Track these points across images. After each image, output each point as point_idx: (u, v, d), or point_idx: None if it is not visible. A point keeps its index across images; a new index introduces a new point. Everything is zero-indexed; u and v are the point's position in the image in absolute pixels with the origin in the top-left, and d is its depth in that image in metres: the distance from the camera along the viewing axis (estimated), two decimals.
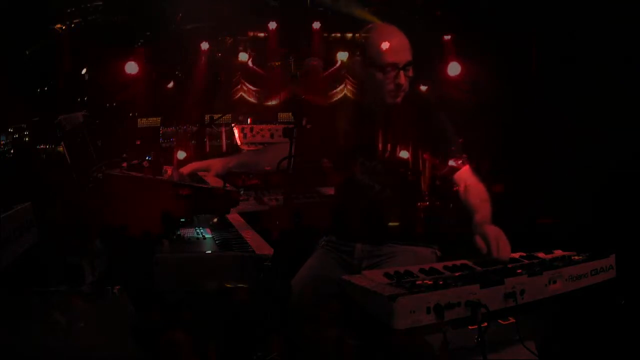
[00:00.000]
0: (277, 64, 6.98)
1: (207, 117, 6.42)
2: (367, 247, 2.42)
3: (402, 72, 2.30)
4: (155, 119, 6.82)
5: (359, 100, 2.51)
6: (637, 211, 3.83)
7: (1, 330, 1.93)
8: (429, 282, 1.65)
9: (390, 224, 2.38)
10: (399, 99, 2.36)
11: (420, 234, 2.44)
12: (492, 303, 1.58)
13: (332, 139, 2.52)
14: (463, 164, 2.36)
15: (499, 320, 1.88)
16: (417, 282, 1.66)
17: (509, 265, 1.89)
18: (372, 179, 2.41)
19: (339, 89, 6.99)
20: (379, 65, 2.31)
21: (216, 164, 2.78)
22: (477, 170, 2.40)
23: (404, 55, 2.31)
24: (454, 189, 2.35)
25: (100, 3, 6.44)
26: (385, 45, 2.30)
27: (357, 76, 2.55)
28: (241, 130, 5.42)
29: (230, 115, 6.51)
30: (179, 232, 2.26)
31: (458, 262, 1.94)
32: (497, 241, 1.93)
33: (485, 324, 1.60)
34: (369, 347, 2.03)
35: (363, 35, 2.40)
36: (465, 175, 2.33)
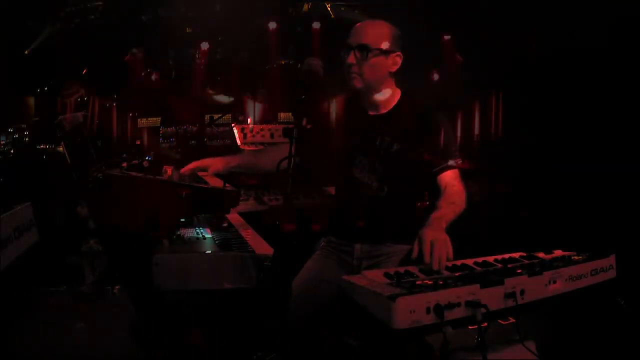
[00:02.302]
0: (274, 66, 6.97)
1: (207, 117, 6.42)
2: (367, 247, 2.41)
3: (352, 52, 2.30)
4: (155, 119, 6.82)
5: (350, 95, 2.52)
6: (637, 211, 3.84)
7: (1, 330, 1.93)
8: (429, 282, 1.65)
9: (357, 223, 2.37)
10: (355, 82, 2.35)
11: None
12: (492, 303, 1.58)
13: (332, 138, 2.52)
14: (462, 163, 2.35)
15: (499, 320, 1.88)
16: (417, 282, 1.66)
17: (509, 265, 1.89)
18: (370, 178, 2.41)
19: None
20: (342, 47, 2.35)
21: (217, 163, 2.78)
22: (477, 170, 2.40)
23: (359, 37, 2.31)
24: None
25: (100, 3, 6.44)
26: (356, 33, 2.32)
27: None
28: (241, 130, 5.41)
29: (230, 115, 6.50)
30: (179, 232, 2.26)
31: (458, 262, 1.93)
32: (431, 245, 1.88)
33: (485, 324, 1.60)
34: (369, 347, 2.03)
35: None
36: (448, 178, 2.32)
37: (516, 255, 2.04)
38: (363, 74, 2.32)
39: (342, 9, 6.94)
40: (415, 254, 1.92)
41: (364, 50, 2.29)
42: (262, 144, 5.34)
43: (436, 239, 1.91)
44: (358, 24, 2.38)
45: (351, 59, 2.31)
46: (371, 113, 2.46)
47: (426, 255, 1.88)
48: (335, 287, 2.04)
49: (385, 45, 2.32)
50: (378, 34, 2.33)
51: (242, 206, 2.89)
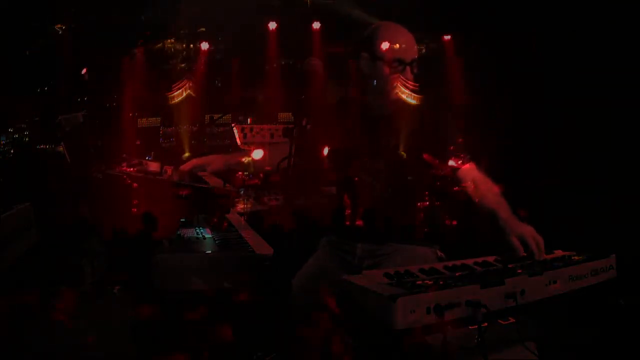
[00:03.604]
0: (275, 66, 6.97)
1: (207, 117, 6.42)
2: (368, 247, 2.41)
3: (408, 67, 2.34)
4: (155, 119, 6.81)
5: (360, 99, 2.52)
6: (637, 211, 3.83)
7: (2, 330, 1.93)
8: (429, 282, 1.65)
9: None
10: (404, 94, 2.38)
11: (420, 233, 2.45)
12: (492, 303, 1.58)
13: (333, 138, 2.52)
14: (463, 163, 2.37)
15: (499, 320, 1.88)
16: (417, 282, 1.66)
17: (509, 265, 1.89)
18: (373, 179, 2.41)
19: None
20: (387, 60, 2.35)
21: (217, 161, 2.79)
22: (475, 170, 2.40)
23: (411, 52, 2.36)
24: (455, 188, 2.35)
25: (100, 3, 6.43)
26: (393, 41, 2.34)
27: (361, 74, 2.57)
28: (241, 130, 5.41)
29: (230, 115, 6.50)
30: (179, 232, 2.26)
31: (458, 262, 1.94)
32: (535, 241, 1.99)
33: (485, 324, 1.60)
34: (369, 347, 2.03)
35: (368, 33, 2.41)
36: (470, 172, 2.35)
37: None
38: (411, 85, 2.38)
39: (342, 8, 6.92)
40: (522, 250, 1.99)
41: (415, 63, 2.35)
42: (261, 143, 5.34)
43: (535, 234, 2.02)
44: (399, 38, 2.38)
45: (409, 74, 2.35)
46: (376, 114, 2.47)
47: (534, 249, 1.98)
48: (336, 287, 2.04)
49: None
50: (414, 44, 2.38)
51: (242, 206, 2.89)
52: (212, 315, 2.06)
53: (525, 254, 2.01)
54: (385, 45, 2.30)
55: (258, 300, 2.04)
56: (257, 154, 3.32)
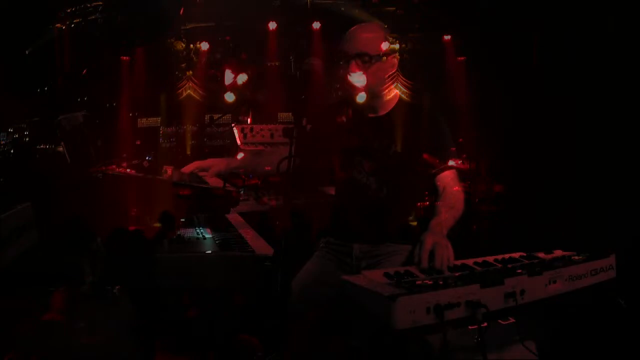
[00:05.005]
0: (276, 63, 6.97)
1: (207, 117, 6.43)
2: (366, 247, 2.41)
3: (353, 62, 2.29)
4: (155, 119, 6.82)
5: (351, 98, 2.52)
6: (637, 211, 3.83)
7: (2, 330, 1.93)
8: (429, 282, 1.65)
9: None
10: (357, 90, 2.34)
11: (419, 233, 2.44)
12: (492, 303, 1.58)
13: (332, 139, 2.52)
14: (462, 163, 2.36)
15: (499, 320, 1.88)
16: (417, 282, 1.66)
17: (509, 265, 1.89)
18: (369, 179, 2.41)
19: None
20: (336, 56, 2.34)
21: (219, 164, 2.78)
22: (477, 170, 2.39)
23: (355, 44, 2.30)
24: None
25: (100, 3, 6.44)
26: (353, 40, 2.31)
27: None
28: (241, 130, 5.41)
29: (230, 115, 6.51)
30: (179, 232, 2.26)
31: (458, 262, 1.93)
32: (427, 254, 1.92)
33: (485, 324, 1.60)
34: (369, 347, 2.03)
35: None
36: (447, 179, 2.32)
37: (516, 255, 2.03)
38: (363, 80, 2.32)
39: (342, 8, 6.93)
40: (417, 259, 1.94)
41: (365, 58, 2.29)
42: (262, 144, 5.33)
43: (437, 244, 1.93)
44: (352, 30, 2.36)
45: (354, 68, 2.30)
46: (370, 115, 2.46)
47: (423, 260, 1.90)
48: (335, 288, 2.04)
49: (382, 50, 2.33)
50: (375, 39, 2.33)
51: (242, 206, 2.89)
52: (212, 315, 2.06)
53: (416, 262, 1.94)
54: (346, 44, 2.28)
55: (258, 300, 2.04)
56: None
